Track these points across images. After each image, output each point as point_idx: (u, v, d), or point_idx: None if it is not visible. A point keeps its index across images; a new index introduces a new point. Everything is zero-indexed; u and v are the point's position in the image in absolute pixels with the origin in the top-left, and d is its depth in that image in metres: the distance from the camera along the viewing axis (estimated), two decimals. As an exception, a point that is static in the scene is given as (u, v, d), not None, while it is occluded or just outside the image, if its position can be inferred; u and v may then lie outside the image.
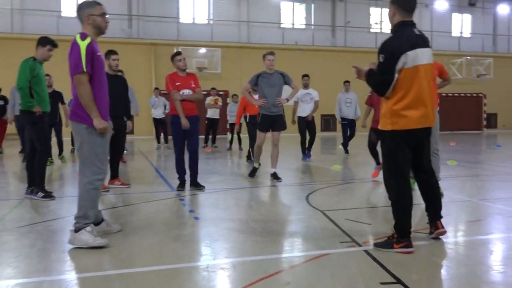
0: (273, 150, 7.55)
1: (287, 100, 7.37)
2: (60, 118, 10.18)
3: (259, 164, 7.81)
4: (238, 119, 10.76)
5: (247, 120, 10.57)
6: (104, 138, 3.97)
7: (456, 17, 27.41)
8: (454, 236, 4.20)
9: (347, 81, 11.86)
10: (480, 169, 8.97)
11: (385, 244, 3.68)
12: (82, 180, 3.89)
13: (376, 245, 3.73)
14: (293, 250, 3.83)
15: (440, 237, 3.91)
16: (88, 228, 3.81)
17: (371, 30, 25.71)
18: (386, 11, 25.83)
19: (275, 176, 7.47)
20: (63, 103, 10.15)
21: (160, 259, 3.51)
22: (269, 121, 7.37)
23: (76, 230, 3.80)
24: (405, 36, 3.58)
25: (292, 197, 6.26)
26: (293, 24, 24.74)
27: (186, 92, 6.49)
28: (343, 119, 11.88)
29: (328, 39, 24.90)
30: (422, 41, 3.62)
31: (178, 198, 6.04)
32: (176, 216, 5.07)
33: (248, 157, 10.23)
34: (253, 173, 7.69)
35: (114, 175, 6.99)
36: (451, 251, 3.71)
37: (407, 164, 3.71)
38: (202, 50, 22.32)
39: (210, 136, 14.57)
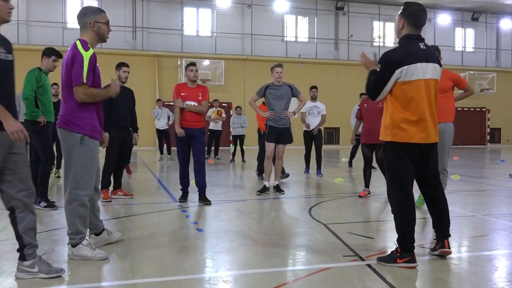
0: (277, 163, 7.53)
1: (294, 113, 7.37)
2: None
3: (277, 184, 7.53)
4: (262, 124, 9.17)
5: (262, 133, 9.81)
6: (95, 150, 3.79)
7: (459, 31, 27.54)
8: (458, 251, 4.17)
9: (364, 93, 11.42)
10: (484, 184, 8.93)
11: (389, 258, 3.65)
12: (69, 196, 3.66)
13: (380, 259, 3.70)
14: (295, 263, 3.81)
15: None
16: (85, 242, 3.71)
17: (374, 43, 25.84)
18: (388, 25, 26.28)
19: (278, 189, 7.46)
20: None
21: (162, 271, 3.49)
22: (276, 133, 7.35)
23: (73, 245, 3.72)
24: (408, 50, 3.58)
25: (295, 210, 6.24)
26: (296, 37, 24.89)
27: (191, 103, 6.43)
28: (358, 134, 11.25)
29: (331, 53, 25.02)
30: (427, 56, 3.60)
31: (181, 210, 6.02)
32: (179, 228, 5.05)
33: (259, 172, 9.49)
34: (262, 190, 7.41)
35: (117, 186, 6.99)
36: (455, 266, 3.68)
37: (409, 177, 3.66)
38: (206, 62, 22.45)
39: (213, 148, 14.56)
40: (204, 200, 6.46)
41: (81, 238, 3.72)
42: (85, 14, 3.80)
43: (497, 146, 26.84)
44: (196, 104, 6.44)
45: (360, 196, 7.02)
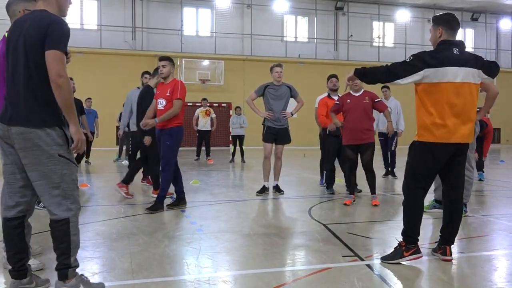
0: (276, 163, 7.48)
1: (292, 114, 7.34)
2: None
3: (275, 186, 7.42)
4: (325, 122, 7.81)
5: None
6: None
7: (458, 31, 27.49)
8: (458, 251, 4.16)
9: (386, 87, 9.58)
10: (484, 184, 8.92)
11: (394, 255, 3.69)
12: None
13: (384, 258, 3.71)
14: (295, 264, 3.80)
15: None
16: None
17: (374, 44, 25.85)
18: (388, 25, 26.32)
19: (277, 189, 7.44)
20: (83, 113, 9.44)
21: (162, 271, 3.49)
22: (274, 133, 7.31)
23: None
24: (441, 53, 3.65)
25: (294, 210, 6.24)
26: (296, 37, 24.90)
27: (161, 101, 6.05)
28: (379, 133, 9.69)
29: (330, 53, 25.03)
30: (459, 60, 3.64)
31: (180, 210, 6.02)
32: (178, 228, 5.05)
33: (328, 185, 7.72)
34: (262, 191, 7.38)
35: (127, 181, 7.00)
36: (455, 266, 3.68)
37: (429, 176, 3.76)
38: (205, 62, 22.46)
39: (203, 148, 14.31)
40: (153, 208, 5.86)
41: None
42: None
43: (496, 146, 26.84)
44: (165, 102, 5.97)
45: (345, 204, 6.43)
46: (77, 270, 2.97)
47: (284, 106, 7.32)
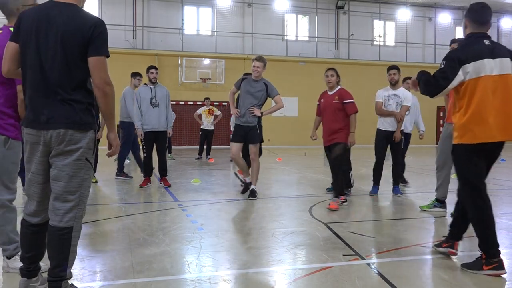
0: (252, 165, 6.86)
1: (262, 113, 6.73)
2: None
3: (248, 183, 6.99)
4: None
5: None
6: (18, 153, 3.30)
7: (459, 30, 27.48)
8: (459, 250, 4.16)
9: (408, 78, 7.90)
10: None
11: (474, 265, 3.50)
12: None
13: (464, 266, 3.54)
14: (295, 263, 3.80)
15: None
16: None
17: (375, 43, 25.82)
18: (389, 24, 26.28)
19: (251, 193, 6.76)
20: None
21: (162, 270, 3.49)
22: (242, 132, 6.76)
23: (8, 257, 3.36)
24: (471, 47, 3.46)
25: (295, 209, 6.24)
26: (296, 36, 24.87)
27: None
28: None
29: (331, 52, 25.00)
30: (492, 51, 3.44)
31: (181, 209, 6.02)
32: (179, 227, 5.05)
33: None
34: (245, 190, 6.97)
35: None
36: (455, 266, 3.68)
37: (479, 178, 3.52)
38: (206, 61, 22.44)
39: (205, 147, 14.32)
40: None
41: (15, 249, 3.35)
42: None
43: (497, 145, 26.83)
44: None
45: (332, 209, 5.86)
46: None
47: (255, 103, 6.68)
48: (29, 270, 2.86)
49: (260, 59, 6.71)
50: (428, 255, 3.89)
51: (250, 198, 6.68)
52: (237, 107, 6.96)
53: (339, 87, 6.37)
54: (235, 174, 8.01)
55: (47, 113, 2.66)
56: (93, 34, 2.64)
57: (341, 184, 6.24)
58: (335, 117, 6.24)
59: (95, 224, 5.10)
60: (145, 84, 8.11)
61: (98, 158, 8.65)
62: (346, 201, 6.34)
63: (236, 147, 6.83)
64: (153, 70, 7.88)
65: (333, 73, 6.48)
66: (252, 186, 6.85)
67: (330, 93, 6.38)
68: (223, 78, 22.38)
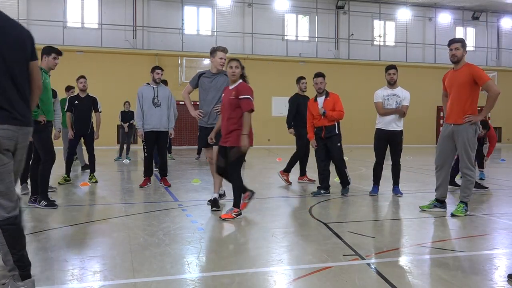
0: (210, 168, 6.19)
1: None
2: (92, 128, 8.83)
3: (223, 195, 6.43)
4: (311, 133, 7.41)
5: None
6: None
7: (459, 30, 27.50)
8: (459, 250, 4.17)
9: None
10: (484, 183, 8.91)
11: None
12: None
13: None
14: (295, 263, 3.80)
15: (445, 250, 3.87)
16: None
17: (375, 43, 25.82)
18: (389, 24, 26.28)
19: (214, 203, 5.86)
20: (97, 110, 8.97)
21: (162, 270, 3.49)
22: (208, 135, 5.95)
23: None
24: None
25: (295, 209, 6.24)
26: (296, 36, 24.87)
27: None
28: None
29: (331, 52, 25.01)
30: None
31: (182, 209, 6.02)
32: (179, 227, 5.05)
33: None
34: (214, 204, 5.86)
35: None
36: (455, 266, 3.68)
37: None
38: (206, 61, 22.42)
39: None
40: None
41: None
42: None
43: (497, 145, 26.71)
44: None
45: (223, 219, 5.27)
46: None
47: (218, 96, 5.92)
48: (28, 270, 2.86)
49: (225, 50, 5.96)
50: (428, 255, 3.89)
51: (215, 209, 5.77)
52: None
53: (240, 81, 5.41)
54: (278, 174, 8.51)
55: (28, 111, 2.96)
56: None
57: (240, 194, 5.46)
58: (231, 115, 5.32)
59: (95, 224, 5.10)
60: (147, 83, 8.04)
61: (96, 158, 8.67)
62: (240, 214, 5.39)
63: (210, 152, 6.08)
64: (158, 71, 7.90)
65: (238, 65, 5.39)
66: (215, 195, 6.03)
67: (230, 88, 5.44)
68: (223, 78, 22.38)
